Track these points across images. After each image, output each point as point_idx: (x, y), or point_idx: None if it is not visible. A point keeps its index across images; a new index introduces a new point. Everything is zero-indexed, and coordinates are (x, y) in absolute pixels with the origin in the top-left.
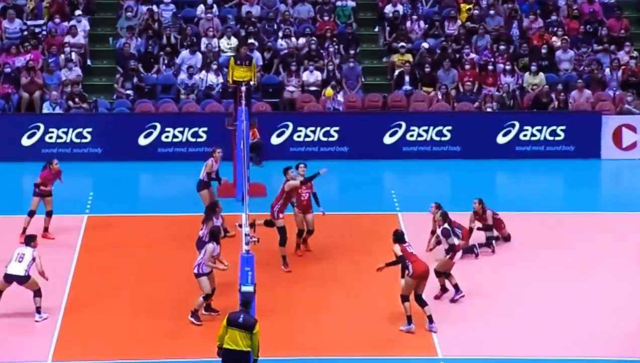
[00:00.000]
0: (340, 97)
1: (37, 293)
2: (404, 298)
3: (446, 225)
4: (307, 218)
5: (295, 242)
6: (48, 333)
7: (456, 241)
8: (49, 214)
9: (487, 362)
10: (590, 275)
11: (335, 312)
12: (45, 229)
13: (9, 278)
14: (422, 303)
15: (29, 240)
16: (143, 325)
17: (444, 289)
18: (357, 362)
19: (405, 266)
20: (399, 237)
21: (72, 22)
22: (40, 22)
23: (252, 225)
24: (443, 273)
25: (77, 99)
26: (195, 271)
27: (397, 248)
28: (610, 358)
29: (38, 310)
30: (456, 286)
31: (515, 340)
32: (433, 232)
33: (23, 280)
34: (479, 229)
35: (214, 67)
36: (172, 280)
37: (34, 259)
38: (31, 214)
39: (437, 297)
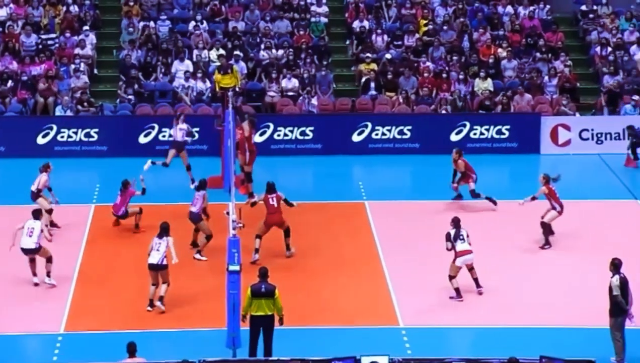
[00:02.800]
0: (314, 101)
1: (49, 259)
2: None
3: (452, 231)
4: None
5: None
6: (61, 305)
7: (460, 246)
8: (50, 211)
9: (447, 330)
10: (534, 253)
11: (299, 285)
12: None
13: (24, 252)
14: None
15: (37, 214)
16: (144, 300)
17: (457, 292)
18: (318, 331)
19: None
20: (269, 188)
21: (81, 36)
22: (53, 35)
23: (254, 204)
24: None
25: (85, 104)
26: (165, 262)
27: (260, 196)
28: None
29: (48, 274)
30: (475, 281)
31: (471, 310)
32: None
33: (36, 251)
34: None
35: (200, 75)
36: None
37: (41, 230)
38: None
39: (451, 297)
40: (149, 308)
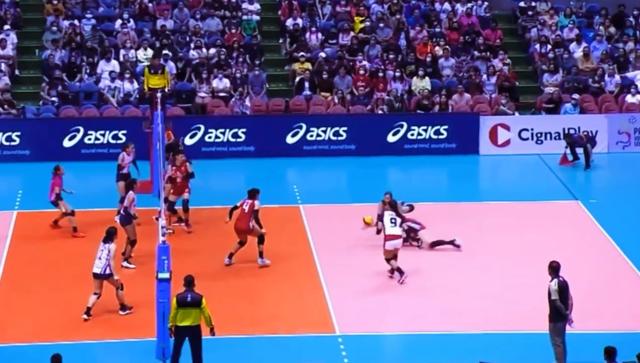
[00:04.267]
0: (247, 101)
1: None
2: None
3: (386, 212)
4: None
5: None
6: None
7: (390, 230)
8: (72, 213)
9: (384, 337)
10: (472, 256)
11: (234, 294)
12: (74, 228)
13: None
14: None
15: None
16: (71, 310)
17: (399, 271)
18: (254, 340)
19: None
20: (252, 194)
21: (1, 36)
22: None
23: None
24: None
25: (6, 106)
26: (108, 271)
27: (239, 202)
28: (489, 332)
29: None
30: (398, 269)
31: (408, 316)
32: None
33: None
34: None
35: (127, 75)
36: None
37: None
38: (73, 213)
39: (400, 282)
40: (84, 316)
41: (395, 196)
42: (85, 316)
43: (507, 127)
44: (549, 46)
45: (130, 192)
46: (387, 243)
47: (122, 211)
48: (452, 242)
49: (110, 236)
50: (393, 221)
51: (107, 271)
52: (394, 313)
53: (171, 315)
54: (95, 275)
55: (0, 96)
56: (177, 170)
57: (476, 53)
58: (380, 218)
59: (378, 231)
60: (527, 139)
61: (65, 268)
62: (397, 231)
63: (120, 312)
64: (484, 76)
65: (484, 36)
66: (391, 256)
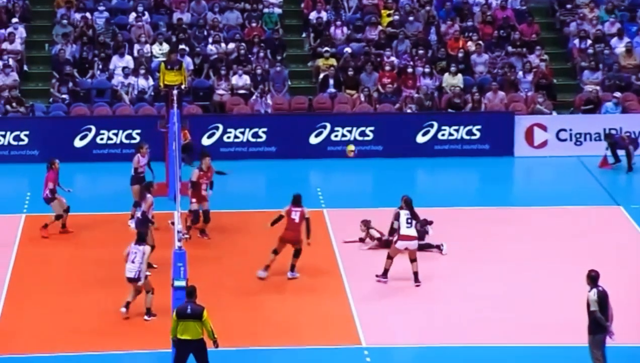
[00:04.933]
0: (268, 99)
1: None
2: (274, 252)
3: (402, 211)
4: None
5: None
6: None
7: (404, 231)
8: (66, 211)
9: (410, 350)
10: (506, 264)
11: (258, 303)
12: (63, 225)
13: None
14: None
15: None
16: (80, 319)
17: (385, 273)
18: (279, 351)
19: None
20: (295, 201)
21: (9, 30)
22: None
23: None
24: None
25: (14, 103)
26: (140, 276)
27: (284, 209)
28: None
29: None
30: (415, 274)
31: (438, 329)
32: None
33: None
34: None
35: (142, 71)
36: (107, 275)
37: None
38: (59, 217)
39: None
40: (130, 313)
41: (425, 200)
42: (151, 315)
43: (544, 128)
44: (589, 41)
45: (149, 195)
46: (398, 242)
47: (139, 215)
48: (438, 247)
49: (142, 238)
50: (409, 221)
51: (140, 275)
52: (422, 324)
53: (172, 326)
54: (130, 280)
55: (7, 93)
56: (204, 175)
57: (511, 49)
58: (397, 216)
59: (392, 231)
60: (565, 140)
61: (76, 273)
62: (413, 232)
63: (145, 317)
64: (520, 73)
65: (519, 31)
66: (396, 255)
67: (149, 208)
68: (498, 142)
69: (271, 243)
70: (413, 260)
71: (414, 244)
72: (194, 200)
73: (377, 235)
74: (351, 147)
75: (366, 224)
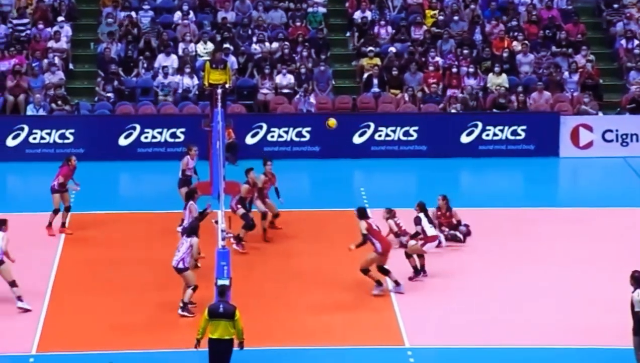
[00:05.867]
0: (312, 99)
1: (13, 284)
2: (365, 271)
3: (421, 215)
4: (268, 204)
5: (262, 226)
6: (32, 324)
7: (430, 232)
8: (67, 209)
9: (454, 350)
10: (551, 266)
11: (302, 303)
12: (63, 224)
13: None
14: (385, 272)
15: (0, 224)
16: (126, 317)
17: (416, 270)
18: (324, 351)
19: (372, 242)
20: (362, 213)
21: (55, 28)
22: (25, 20)
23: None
24: (411, 255)
25: (59, 102)
26: (181, 266)
27: (362, 225)
28: (570, 347)
29: (19, 298)
30: (422, 267)
31: (480, 329)
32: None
33: None
34: (441, 226)
35: (188, 70)
36: (152, 274)
37: (7, 241)
38: (56, 212)
39: (410, 279)
40: (181, 311)
41: (469, 200)
42: (187, 312)
43: (589, 128)
44: (636, 42)
45: (191, 202)
46: (427, 245)
47: (185, 225)
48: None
49: (193, 230)
50: (431, 222)
51: (181, 265)
52: (465, 324)
53: (201, 326)
54: (175, 269)
55: (53, 92)
56: (269, 181)
57: (556, 49)
58: (418, 221)
59: (416, 234)
60: (611, 141)
61: (119, 273)
62: (435, 232)
63: (179, 311)
64: (565, 73)
65: (565, 30)
66: (415, 253)
67: (192, 215)
68: (543, 142)
69: (311, 242)
70: (421, 255)
71: (435, 245)
72: (258, 202)
73: (395, 229)
74: (332, 121)
75: (390, 213)
